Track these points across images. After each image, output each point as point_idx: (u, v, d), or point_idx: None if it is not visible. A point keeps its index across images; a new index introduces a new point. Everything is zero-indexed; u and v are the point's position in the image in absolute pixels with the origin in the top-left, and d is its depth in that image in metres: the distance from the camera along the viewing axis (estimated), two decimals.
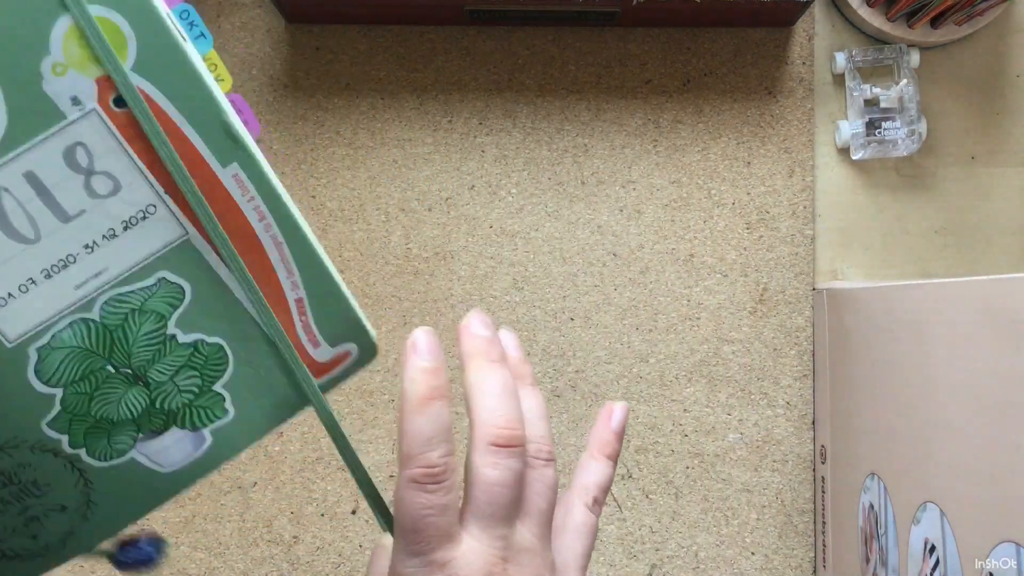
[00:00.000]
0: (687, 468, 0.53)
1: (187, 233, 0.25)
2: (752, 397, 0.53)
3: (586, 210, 0.54)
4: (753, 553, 0.53)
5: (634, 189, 0.54)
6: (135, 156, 0.24)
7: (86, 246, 0.25)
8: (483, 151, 0.54)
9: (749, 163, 0.54)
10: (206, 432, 0.27)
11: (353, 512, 0.53)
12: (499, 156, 0.54)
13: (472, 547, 0.27)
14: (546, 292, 0.53)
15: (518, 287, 0.53)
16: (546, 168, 0.54)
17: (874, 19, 0.52)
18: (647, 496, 0.53)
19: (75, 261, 0.25)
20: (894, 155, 0.53)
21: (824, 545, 0.52)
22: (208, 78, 0.24)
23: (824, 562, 0.52)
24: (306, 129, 0.53)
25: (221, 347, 0.26)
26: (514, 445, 0.28)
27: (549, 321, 0.53)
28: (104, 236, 0.25)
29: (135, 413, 0.26)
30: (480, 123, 0.54)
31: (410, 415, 0.27)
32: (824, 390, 0.52)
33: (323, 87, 0.53)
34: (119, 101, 0.24)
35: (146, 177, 0.24)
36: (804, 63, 0.54)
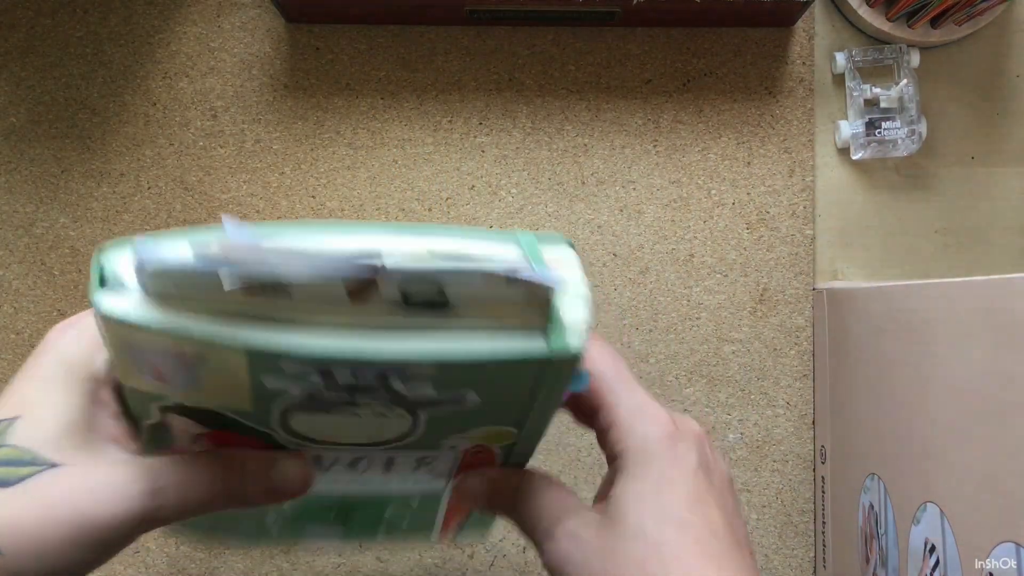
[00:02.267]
0: None
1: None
2: (752, 397, 0.53)
3: (586, 210, 0.54)
4: (753, 553, 0.53)
5: (634, 189, 0.54)
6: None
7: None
8: (483, 151, 0.54)
9: (749, 163, 0.54)
10: None
11: None
12: (499, 156, 0.54)
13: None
14: None
15: None
16: (546, 168, 0.54)
17: (874, 19, 0.52)
18: None
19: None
20: (894, 155, 0.53)
21: (824, 545, 0.52)
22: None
23: (824, 562, 0.52)
24: (306, 129, 0.53)
25: None
26: None
27: None
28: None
29: None
30: (480, 123, 0.54)
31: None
32: (824, 390, 0.52)
33: (323, 87, 0.53)
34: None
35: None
36: (804, 63, 0.54)
